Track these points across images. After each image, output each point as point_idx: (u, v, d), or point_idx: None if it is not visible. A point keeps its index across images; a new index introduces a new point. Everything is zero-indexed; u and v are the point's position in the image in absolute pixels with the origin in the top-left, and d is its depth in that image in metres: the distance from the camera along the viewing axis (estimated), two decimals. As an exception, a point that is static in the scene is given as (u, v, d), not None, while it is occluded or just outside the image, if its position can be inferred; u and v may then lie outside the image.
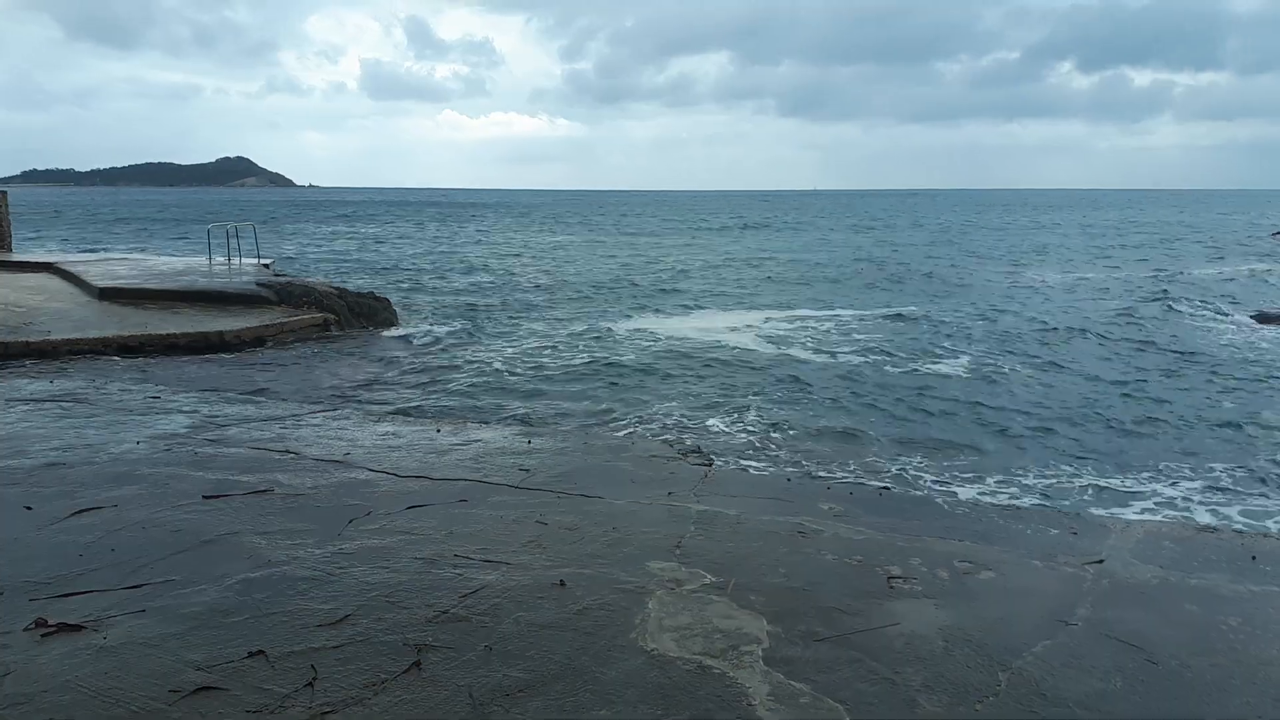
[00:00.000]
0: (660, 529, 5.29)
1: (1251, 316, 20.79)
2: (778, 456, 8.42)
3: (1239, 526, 7.12)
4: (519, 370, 14.44)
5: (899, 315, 22.33)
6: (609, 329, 20.43)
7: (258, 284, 20.35)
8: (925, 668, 3.79)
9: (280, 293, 20.02)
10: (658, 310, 23.95)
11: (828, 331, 19.67)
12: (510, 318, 22.01)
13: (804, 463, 8.17)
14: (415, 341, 17.25)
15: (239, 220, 27.76)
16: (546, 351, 16.83)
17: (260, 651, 3.76)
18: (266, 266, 25.19)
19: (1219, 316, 21.07)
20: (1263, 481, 8.97)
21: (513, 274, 33.86)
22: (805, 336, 18.58)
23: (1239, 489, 8.77)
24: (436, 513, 5.48)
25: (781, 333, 19.25)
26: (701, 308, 23.93)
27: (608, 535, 5.15)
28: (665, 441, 8.64)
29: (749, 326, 20.54)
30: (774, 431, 10.16)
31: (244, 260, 25.37)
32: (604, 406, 11.59)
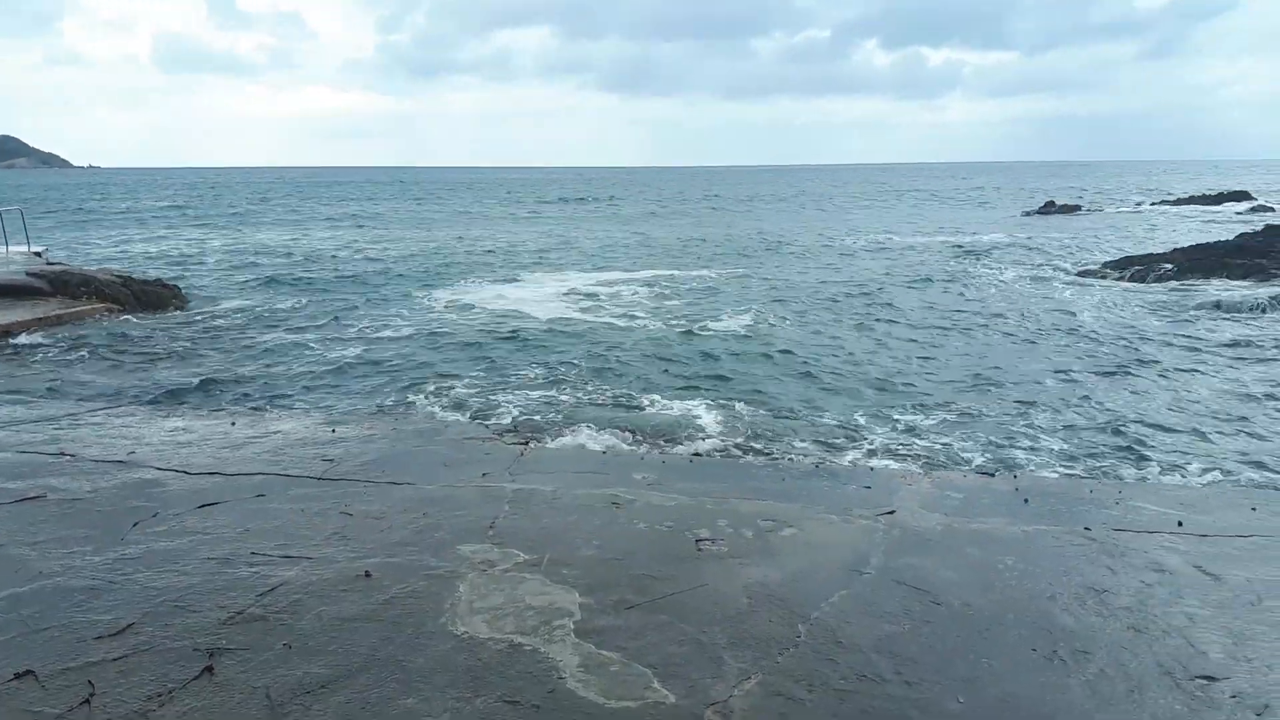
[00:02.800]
0: (473, 511, 5.21)
1: (1027, 275, 22.54)
2: (595, 428, 8.46)
3: (1015, 471, 7.72)
4: (325, 354, 13.85)
5: (712, 280, 22.86)
6: (426, 304, 19.92)
7: (28, 273, 18.62)
8: (731, 625, 3.91)
9: (55, 282, 18.40)
10: (479, 282, 23.55)
11: (646, 297, 19.94)
12: (315, 299, 21.08)
13: (621, 432, 8.26)
14: (209, 329, 16.22)
15: (4, 205, 25.20)
16: (355, 332, 16.22)
17: (29, 672, 3.44)
18: (38, 255, 23.05)
19: (1004, 275, 22.70)
20: (1032, 423, 9.77)
21: (320, 254, 32.44)
22: (623, 302, 18.73)
23: (1016, 434, 9.52)
24: (231, 510, 5.18)
25: (601, 299, 19.33)
26: (522, 279, 23.70)
27: (417, 522, 5.03)
28: (480, 422, 8.53)
29: (569, 294, 20.56)
30: (593, 402, 10.21)
31: (10, 249, 23.12)
32: (418, 385, 11.28)
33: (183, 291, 21.22)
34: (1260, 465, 9.31)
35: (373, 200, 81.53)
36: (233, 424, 7.11)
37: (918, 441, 9.03)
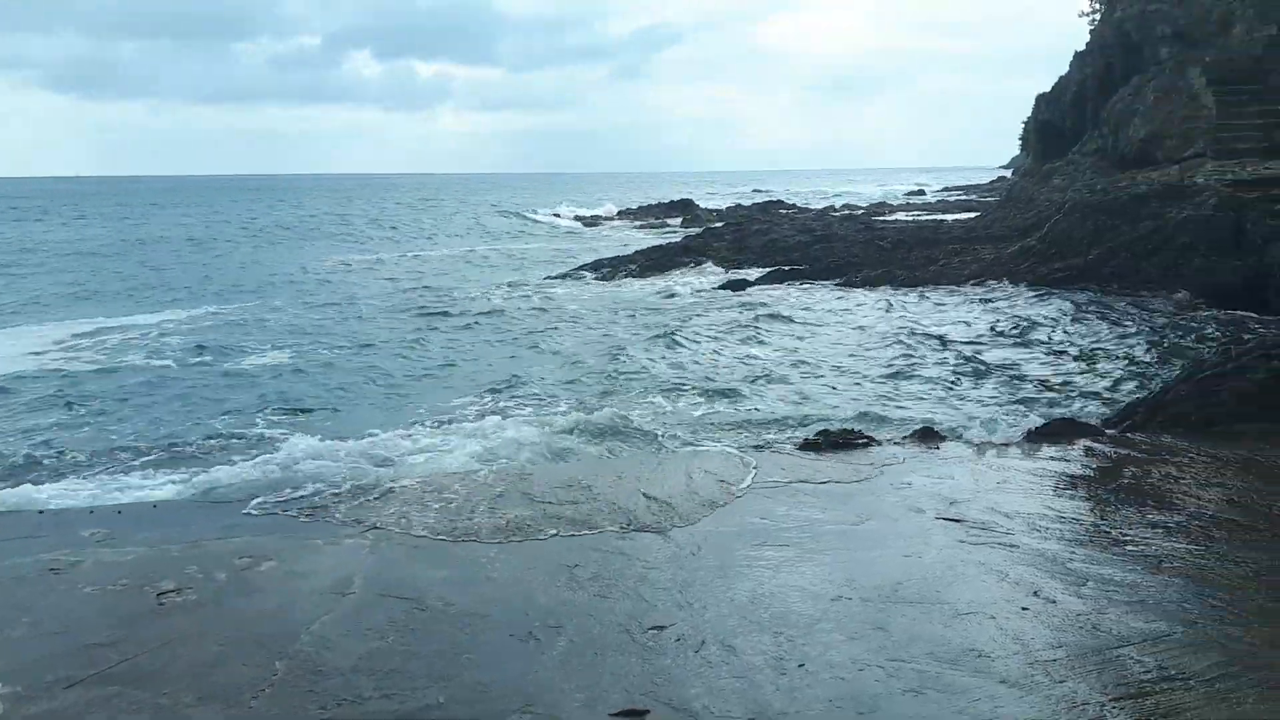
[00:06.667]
0: None
1: (515, 281, 23.79)
2: (38, 489, 7.17)
3: (494, 465, 7.93)
4: None
5: (228, 314, 20.35)
6: None
7: None
8: (198, 680, 3.55)
9: None
10: None
11: (101, 343, 17.21)
12: None
13: (75, 490, 7.12)
14: None
15: None
16: None
17: None
18: None
19: (493, 292, 23.49)
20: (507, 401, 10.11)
21: None
22: (108, 349, 15.94)
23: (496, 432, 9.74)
24: None
25: (79, 350, 16.16)
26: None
27: None
28: None
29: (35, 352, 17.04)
30: (40, 461, 8.69)
31: None
32: None
33: None
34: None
35: None
36: None
37: (413, 446, 8.89)
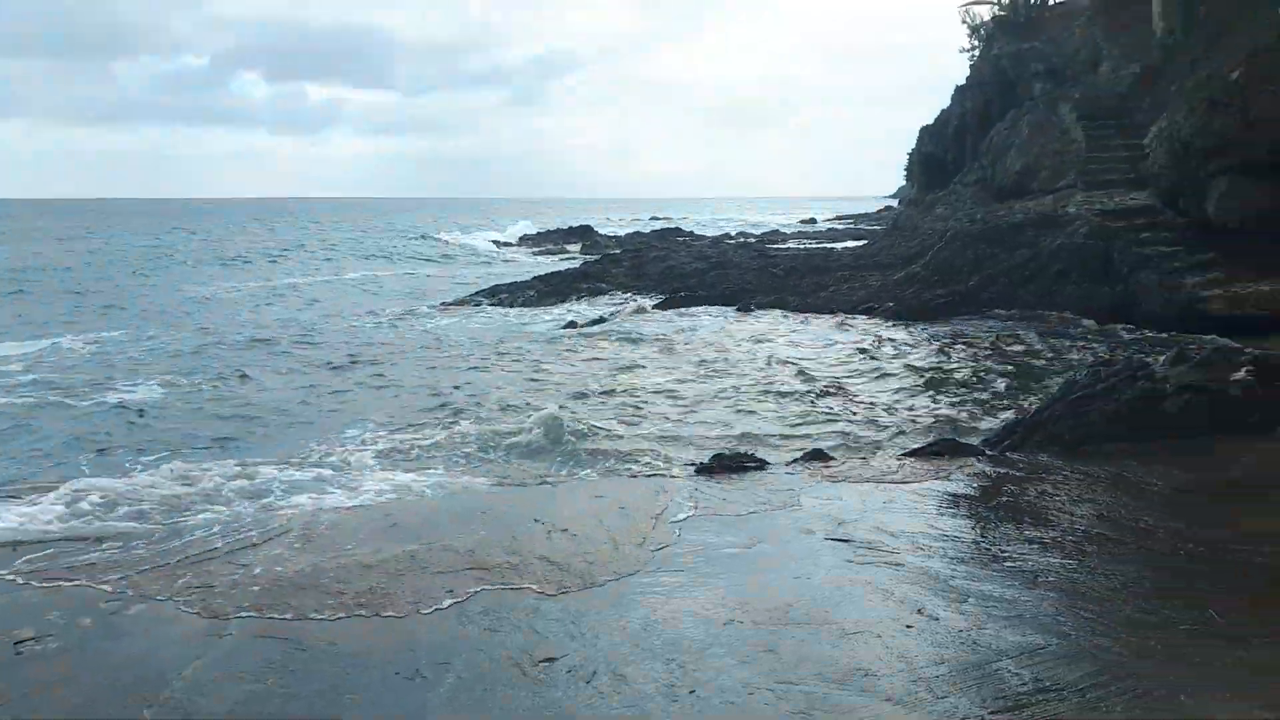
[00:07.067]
0: None
1: (401, 310, 23.37)
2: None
3: (385, 497, 7.72)
4: None
5: (83, 349, 19.23)
6: None
7: None
8: (54, 734, 3.34)
9: None
10: None
11: None
12: None
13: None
14: None
15: None
16: None
17: None
18: None
19: (383, 314, 23.03)
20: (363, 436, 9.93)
21: None
22: None
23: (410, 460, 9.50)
24: None
25: None
26: None
27: None
28: None
29: None
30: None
31: None
32: None
33: None
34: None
35: None
36: None
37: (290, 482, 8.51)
